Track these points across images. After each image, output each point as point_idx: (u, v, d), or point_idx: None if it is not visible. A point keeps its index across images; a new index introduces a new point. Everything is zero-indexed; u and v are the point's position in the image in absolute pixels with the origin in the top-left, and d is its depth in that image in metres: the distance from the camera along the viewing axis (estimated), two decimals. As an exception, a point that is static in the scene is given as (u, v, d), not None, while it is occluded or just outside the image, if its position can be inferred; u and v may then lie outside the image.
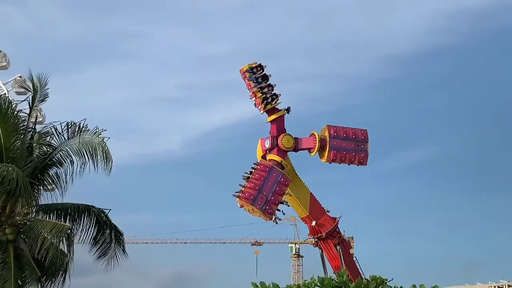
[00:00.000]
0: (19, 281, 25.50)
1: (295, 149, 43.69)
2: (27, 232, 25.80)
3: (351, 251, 49.66)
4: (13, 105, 26.98)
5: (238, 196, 41.26)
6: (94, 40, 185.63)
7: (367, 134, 43.77)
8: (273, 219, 42.31)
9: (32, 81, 27.54)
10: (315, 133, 43.23)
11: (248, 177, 41.65)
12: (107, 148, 26.63)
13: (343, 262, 43.96)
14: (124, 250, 27.73)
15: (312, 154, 43.74)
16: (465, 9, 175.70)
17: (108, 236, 27.22)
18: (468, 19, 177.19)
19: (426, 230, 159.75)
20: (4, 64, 69.42)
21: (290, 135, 43.38)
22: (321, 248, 45.93)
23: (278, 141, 43.09)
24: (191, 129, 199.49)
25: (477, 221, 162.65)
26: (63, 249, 25.98)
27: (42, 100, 27.74)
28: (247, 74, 42.00)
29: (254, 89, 42.11)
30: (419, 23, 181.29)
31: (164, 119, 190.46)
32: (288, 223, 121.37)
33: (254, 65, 42.17)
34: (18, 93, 67.37)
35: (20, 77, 68.32)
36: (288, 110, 43.25)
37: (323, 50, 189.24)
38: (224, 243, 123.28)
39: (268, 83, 42.41)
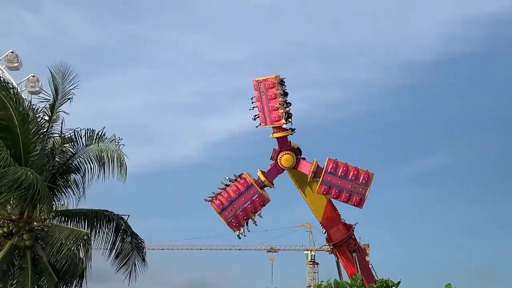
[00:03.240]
0: (36, 287, 25.69)
1: (295, 168, 42.89)
2: (44, 238, 25.96)
3: (367, 258, 49.15)
4: (35, 109, 27.20)
5: (210, 201, 41.37)
6: (111, 45, 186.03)
7: (372, 178, 41.33)
8: (237, 232, 42.04)
9: (54, 84, 27.63)
10: (315, 162, 42.08)
11: (227, 185, 41.62)
12: (123, 155, 26.84)
13: (359, 269, 43.74)
14: (144, 259, 27.84)
15: (308, 180, 42.85)
16: (483, 16, 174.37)
17: (128, 244, 27.34)
18: (486, 26, 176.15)
19: (442, 237, 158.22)
20: (16, 64, 70.19)
21: (291, 155, 42.48)
22: (336, 255, 45.65)
23: (278, 157, 42.56)
24: (208, 135, 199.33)
25: (492, 227, 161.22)
26: (80, 255, 26.14)
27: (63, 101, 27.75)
28: (278, 85, 41.33)
29: (281, 101, 41.37)
30: (437, 30, 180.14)
31: (181, 125, 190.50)
32: (304, 230, 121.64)
33: (282, 78, 41.70)
34: (31, 93, 68.11)
35: (33, 76, 69.10)
36: (293, 131, 42.82)
37: (341, 56, 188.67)
38: (239, 249, 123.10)
39: (287, 100, 41.99)
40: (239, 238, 42.41)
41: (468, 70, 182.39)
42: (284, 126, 41.28)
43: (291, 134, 42.41)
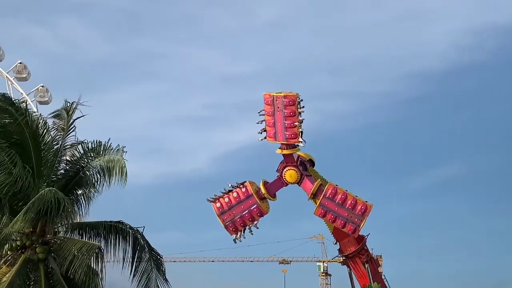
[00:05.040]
0: (49, 300, 25.72)
1: (299, 184, 42.61)
2: (57, 251, 26.01)
3: (380, 269, 48.95)
4: (45, 122, 27.40)
5: (212, 202, 41.56)
6: (121, 60, 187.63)
7: (369, 210, 40.63)
8: (233, 236, 42.14)
9: (66, 104, 27.93)
10: (317, 183, 41.75)
11: (230, 190, 41.68)
12: (124, 163, 26.97)
13: (371, 281, 43.57)
14: (166, 279, 27.81)
15: (308, 199, 42.56)
16: (492, 25, 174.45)
17: (147, 262, 27.27)
18: (495, 35, 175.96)
19: (455, 249, 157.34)
20: (25, 75, 70.66)
21: (296, 171, 42.12)
22: (349, 266, 45.53)
23: (283, 172, 42.29)
24: (217, 147, 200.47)
25: (505, 239, 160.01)
26: (95, 267, 26.18)
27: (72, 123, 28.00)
28: (298, 104, 41.08)
29: (300, 119, 41.08)
30: (446, 40, 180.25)
31: (191, 138, 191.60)
32: (316, 241, 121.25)
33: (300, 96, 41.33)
34: (40, 103, 68.53)
35: (43, 86, 69.55)
36: (297, 147, 42.52)
37: (349, 68, 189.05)
38: (251, 261, 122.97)
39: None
40: (235, 242, 42.63)
41: (477, 80, 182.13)
42: (301, 144, 41.03)
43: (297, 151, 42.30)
